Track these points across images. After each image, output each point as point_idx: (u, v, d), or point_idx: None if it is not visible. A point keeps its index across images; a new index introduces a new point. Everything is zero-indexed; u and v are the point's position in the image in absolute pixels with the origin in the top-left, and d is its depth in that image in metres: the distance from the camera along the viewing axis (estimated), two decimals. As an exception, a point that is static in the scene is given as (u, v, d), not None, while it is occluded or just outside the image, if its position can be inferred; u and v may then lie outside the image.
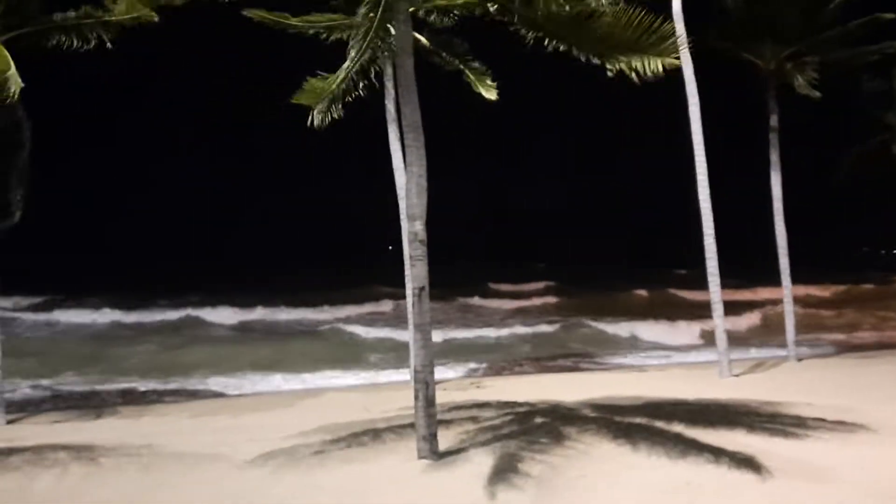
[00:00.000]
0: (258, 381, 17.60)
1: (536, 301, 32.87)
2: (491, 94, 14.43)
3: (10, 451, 9.77)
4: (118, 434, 11.20)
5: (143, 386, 16.96)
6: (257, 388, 16.91)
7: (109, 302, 26.72)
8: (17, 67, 11.53)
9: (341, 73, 14.41)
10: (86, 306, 26.68)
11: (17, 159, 13.69)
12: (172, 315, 25.98)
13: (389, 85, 15.65)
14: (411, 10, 10.63)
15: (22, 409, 13.98)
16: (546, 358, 21.48)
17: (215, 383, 17.37)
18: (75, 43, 13.17)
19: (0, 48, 11.96)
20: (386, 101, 15.72)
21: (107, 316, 25.01)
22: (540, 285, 37.02)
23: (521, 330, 25.86)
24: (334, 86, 14.25)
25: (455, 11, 14.38)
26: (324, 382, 17.40)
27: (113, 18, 13.04)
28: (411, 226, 9.54)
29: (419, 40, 13.71)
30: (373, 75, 15.03)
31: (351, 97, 14.88)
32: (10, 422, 12.65)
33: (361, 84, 14.82)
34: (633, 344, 23.26)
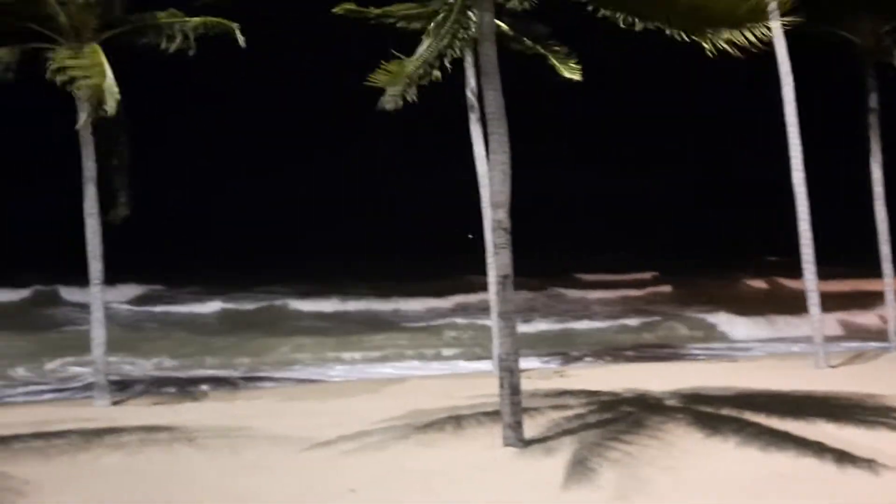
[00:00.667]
0: (345, 368, 18.03)
1: (624, 291, 32.12)
2: (575, 76, 14.27)
3: (117, 431, 10.30)
4: (214, 416, 11.67)
5: (235, 371, 17.61)
6: (343, 375, 17.33)
7: (209, 292, 27.80)
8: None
9: (418, 57, 14.52)
10: (185, 298, 27.77)
11: (121, 158, 14.39)
12: (264, 304, 26.80)
13: (469, 73, 15.65)
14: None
15: (125, 391, 14.71)
16: (632, 347, 21.14)
17: (304, 370, 17.87)
18: (163, 43, 13.66)
19: (98, 55, 12.55)
20: (466, 90, 15.72)
21: (207, 306, 25.87)
22: (629, 275, 36.08)
23: (607, 319, 25.49)
24: (410, 68, 14.35)
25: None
26: (408, 371, 17.67)
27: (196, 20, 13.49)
28: (495, 213, 9.54)
29: (500, 26, 13.64)
30: (448, 61, 15.12)
31: (426, 82, 14.98)
32: (114, 403, 13.36)
33: (436, 69, 14.91)
34: (724, 333, 22.57)
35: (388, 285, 29.95)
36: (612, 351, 20.67)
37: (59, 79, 12.33)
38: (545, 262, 34.06)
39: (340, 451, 9.17)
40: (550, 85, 14.94)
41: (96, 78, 12.04)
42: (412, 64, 14.21)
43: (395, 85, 14.21)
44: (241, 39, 13.46)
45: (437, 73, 14.74)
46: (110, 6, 13.46)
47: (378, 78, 13.82)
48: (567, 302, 29.56)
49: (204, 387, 15.59)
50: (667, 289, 32.25)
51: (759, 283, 34.94)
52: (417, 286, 30.03)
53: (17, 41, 13.17)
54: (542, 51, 14.22)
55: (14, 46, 13.17)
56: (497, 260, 9.48)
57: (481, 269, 15.78)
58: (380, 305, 26.92)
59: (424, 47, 14.52)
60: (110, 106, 11.96)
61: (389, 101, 14.19)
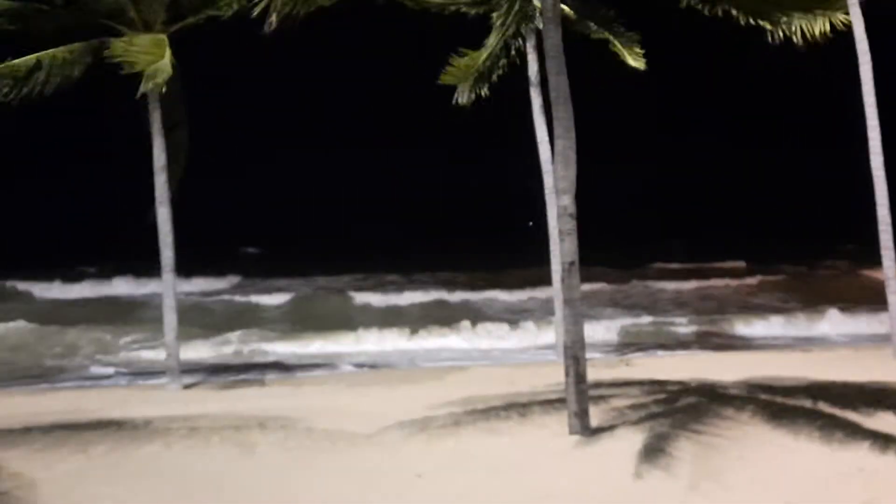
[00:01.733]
0: (409, 357, 18.18)
1: (704, 281, 31.03)
2: (639, 64, 13.96)
3: (190, 417, 10.55)
4: (281, 401, 11.89)
5: (301, 359, 17.92)
6: (408, 364, 17.47)
7: (275, 281, 28.37)
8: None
9: (487, 50, 14.45)
10: (252, 287, 28.33)
11: (179, 136, 14.75)
12: (330, 294, 27.16)
13: (532, 58, 15.44)
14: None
15: (195, 376, 15.12)
16: (697, 336, 20.66)
17: (368, 358, 18.06)
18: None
19: (163, 43, 12.90)
20: (529, 74, 15.50)
21: (273, 297, 26.29)
22: (712, 264, 34.80)
23: (673, 307, 24.96)
24: (480, 62, 14.28)
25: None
26: (472, 359, 17.70)
27: None
28: (560, 199, 9.43)
29: (564, 10, 13.44)
30: (513, 51, 14.99)
31: (497, 74, 14.91)
32: (185, 387, 13.75)
33: (505, 59, 14.82)
34: (792, 321, 21.82)
35: (449, 274, 30.00)
36: (680, 341, 20.27)
37: (119, 60, 12.66)
38: (623, 250, 33.27)
39: (406, 436, 9.25)
40: (612, 70, 14.70)
41: (154, 58, 12.38)
42: (481, 58, 14.16)
43: (465, 81, 14.22)
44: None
45: (504, 66, 14.72)
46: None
47: (448, 76, 13.87)
48: (645, 293, 28.76)
49: (271, 374, 15.91)
50: (752, 280, 31.01)
51: (839, 272, 33.49)
52: (479, 275, 30.01)
53: (88, 36, 13.58)
54: (608, 35, 13.91)
55: (85, 42, 13.57)
56: (562, 246, 9.38)
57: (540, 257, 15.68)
58: (443, 295, 26.90)
59: (491, 40, 14.45)
60: (157, 82, 12.28)
61: (462, 96, 14.22)
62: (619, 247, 34.27)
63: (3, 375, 15.73)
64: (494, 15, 14.47)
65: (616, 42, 13.73)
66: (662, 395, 11.01)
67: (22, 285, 25.60)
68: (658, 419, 9.51)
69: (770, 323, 21.71)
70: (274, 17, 11.04)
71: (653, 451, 8.16)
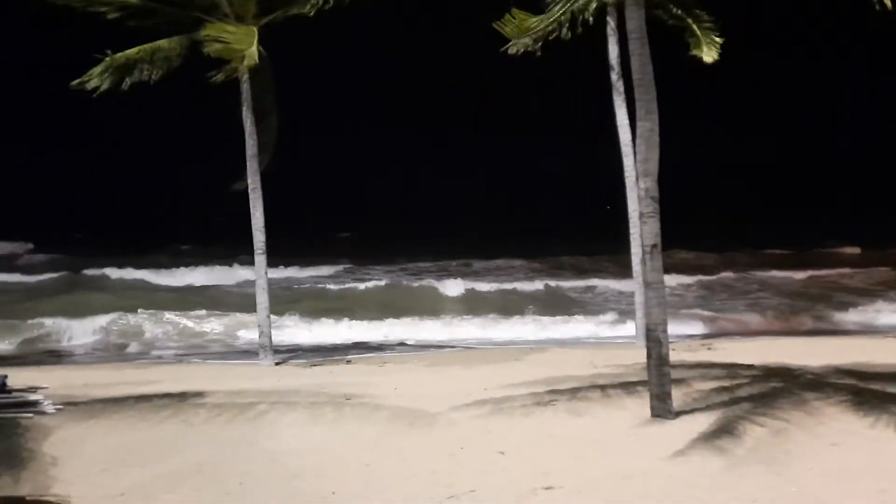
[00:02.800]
0: (488, 338, 18.43)
1: (790, 266, 29.71)
2: (710, 56, 13.39)
3: (282, 391, 11.08)
4: (364, 379, 12.30)
5: (386, 339, 18.43)
6: (487, 345, 17.73)
7: (360, 269, 28.98)
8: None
9: (551, 15, 14.28)
10: (349, 274, 28.96)
11: (270, 124, 15.34)
12: (414, 280, 27.63)
13: (612, 40, 15.29)
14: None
15: (286, 354, 15.77)
16: (783, 320, 20.14)
17: (449, 340, 18.40)
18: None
19: (253, 33, 13.53)
20: (609, 55, 15.34)
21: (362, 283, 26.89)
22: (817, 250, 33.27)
23: (756, 292, 24.33)
24: (542, 26, 14.14)
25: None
26: (550, 339, 17.81)
27: None
28: (642, 182, 9.42)
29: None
30: (580, 22, 14.82)
31: (560, 36, 14.70)
32: (277, 364, 14.40)
33: (566, 29, 14.62)
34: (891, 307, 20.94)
35: (529, 260, 29.99)
36: (762, 323, 19.83)
37: (212, 48, 13.32)
38: (717, 233, 32.28)
39: (487, 414, 9.46)
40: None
41: (243, 45, 12.98)
42: (543, 20, 14.03)
43: (520, 36, 14.10)
44: None
45: (566, 31, 14.52)
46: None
47: (506, 26, 13.78)
48: (734, 275, 27.87)
49: (356, 353, 16.44)
50: (848, 267, 29.50)
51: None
52: (560, 260, 29.90)
53: (184, 30, 14.28)
54: (688, 20, 13.57)
55: (182, 36, 14.26)
56: (645, 229, 9.39)
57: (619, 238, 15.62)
58: (524, 280, 26.92)
59: (559, 5, 14.29)
60: (245, 66, 13.20)
61: (512, 49, 14.13)
62: (711, 228, 33.21)
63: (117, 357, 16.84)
64: None
65: (695, 29, 13.35)
66: (746, 380, 10.89)
67: (138, 273, 25.93)
68: (742, 403, 9.44)
69: (866, 309, 20.91)
70: None
71: (737, 435, 8.15)
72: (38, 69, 37.54)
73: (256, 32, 13.62)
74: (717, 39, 13.26)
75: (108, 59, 13.60)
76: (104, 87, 13.63)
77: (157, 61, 13.79)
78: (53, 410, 6.20)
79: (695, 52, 13.28)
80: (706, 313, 20.76)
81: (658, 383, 9.05)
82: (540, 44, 14.24)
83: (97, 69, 13.65)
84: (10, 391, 6.05)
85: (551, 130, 43.27)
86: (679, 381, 10.21)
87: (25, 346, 17.53)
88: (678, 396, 9.51)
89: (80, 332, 18.39)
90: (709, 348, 14.84)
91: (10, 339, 17.85)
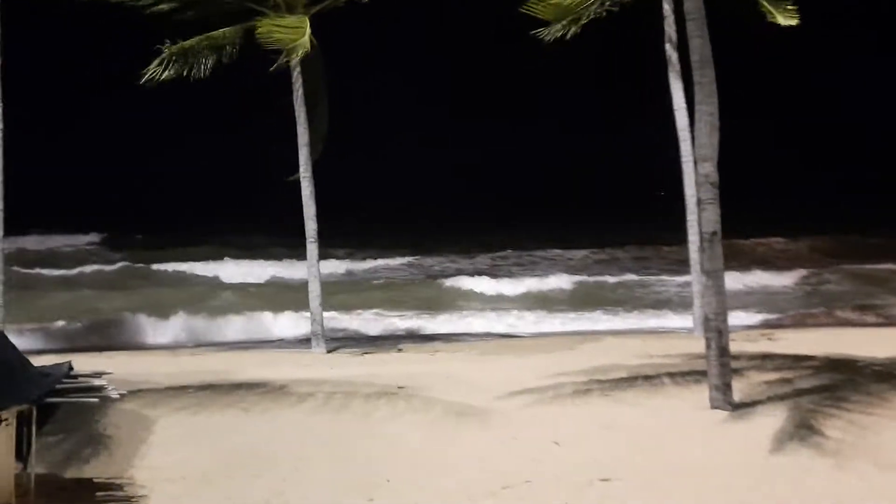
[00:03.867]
0: (539, 324, 18.32)
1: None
2: (790, 20, 13.11)
3: (326, 382, 11.11)
4: (416, 368, 12.31)
5: (437, 328, 18.46)
6: (537, 331, 17.62)
7: (405, 253, 29.12)
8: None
9: None
10: (386, 256, 29.20)
11: (320, 112, 15.46)
12: (461, 264, 27.67)
13: (669, 20, 14.91)
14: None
15: (338, 342, 15.92)
16: (850, 309, 19.46)
17: (498, 325, 18.34)
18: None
19: (304, 22, 13.62)
20: (665, 33, 14.92)
21: (398, 260, 26.96)
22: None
23: (819, 279, 23.60)
24: (581, 6, 13.79)
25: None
26: (605, 327, 17.61)
27: None
28: (701, 167, 9.19)
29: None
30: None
31: (601, 15, 14.32)
32: (329, 351, 14.54)
33: (605, 7, 14.24)
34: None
35: (584, 244, 29.66)
36: (825, 312, 19.23)
37: (263, 39, 13.46)
38: (777, 219, 31.36)
39: (540, 404, 9.38)
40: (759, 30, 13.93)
41: (295, 35, 13.06)
42: (586, 2, 13.67)
43: (556, 18, 13.76)
44: None
45: (603, 11, 14.15)
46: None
47: (538, 8, 13.42)
48: (772, 258, 27.22)
49: (408, 342, 16.49)
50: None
51: None
52: (613, 249, 29.47)
53: (238, 20, 14.44)
54: None
55: (236, 26, 14.43)
56: (703, 216, 9.15)
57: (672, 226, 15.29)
58: (578, 268, 26.72)
59: None
60: (297, 55, 13.35)
61: (551, 33, 13.84)
62: (767, 213, 32.21)
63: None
64: None
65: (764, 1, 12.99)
66: (808, 371, 10.57)
67: (194, 266, 26.17)
68: (804, 395, 9.17)
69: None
70: None
71: (800, 428, 7.90)
72: (77, 63, 38.38)
73: (308, 23, 13.69)
74: (790, 8, 12.89)
75: (167, 49, 13.84)
76: (164, 76, 13.89)
77: (211, 51, 14.00)
78: (117, 396, 6.32)
79: (771, 19, 12.92)
80: (767, 302, 20.25)
81: (718, 374, 8.83)
82: (578, 25, 13.89)
83: (156, 61, 13.89)
84: (75, 376, 6.20)
85: (602, 115, 42.51)
86: (739, 372, 9.96)
87: (91, 336, 18.04)
88: (738, 388, 9.27)
89: (144, 323, 18.86)
90: (769, 339, 14.44)
91: (75, 327, 18.37)
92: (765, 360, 11.36)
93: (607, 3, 13.54)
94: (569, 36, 14.06)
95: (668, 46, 14.80)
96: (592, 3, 13.22)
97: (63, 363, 6.38)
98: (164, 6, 14.05)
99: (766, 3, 12.96)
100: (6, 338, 6.06)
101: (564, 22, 13.54)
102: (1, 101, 11.46)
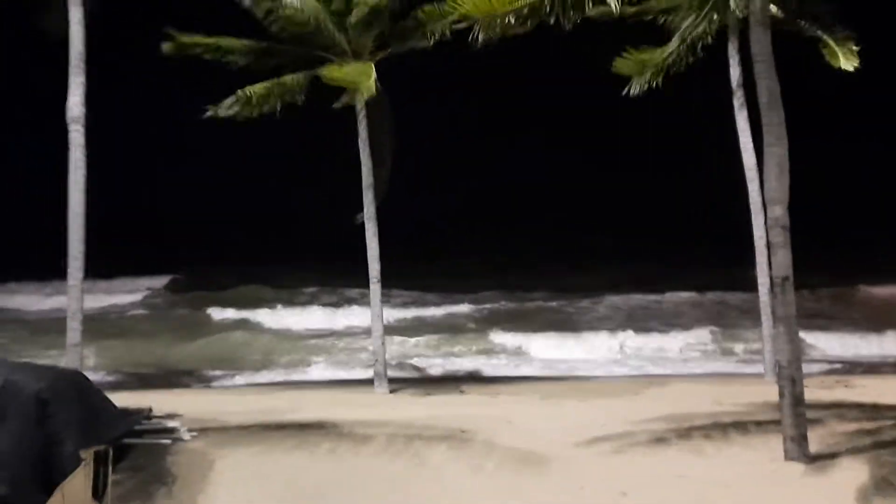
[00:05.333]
0: (604, 365, 18.05)
1: None
2: (850, 64, 12.87)
3: (391, 423, 11.14)
4: (479, 410, 12.22)
5: (494, 368, 18.36)
6: (602, 372, 17.34)
7: (458, 294, 29.13)
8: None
9: (671, 47, 13.96)
10: (437, 300, 29.21)
11: (388, 143, 15.76)
12: (522, 302, 27.48)
13: (734, 62, 14.79)
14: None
15: (400, 381, 15.96)
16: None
17: (560, 366, 18.12)
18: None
19: (369, 65, 14.02)
20: (731, 77, 14.82)
21: (459, 307, 26.95)
22: None
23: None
24: (662, 59, 13.84)
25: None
26: (670, 370, 17.20)
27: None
28: (771, 210, 9.00)
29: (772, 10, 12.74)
30: (699, 48, 14.39)
31: (680, 69, 14.35)
32: (392, 391, 14.58)
33: (690, 57, 14.25)
34: None
35: (647, 283, 29.20)
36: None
37: (330, 81, 13.97)
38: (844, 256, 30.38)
39: (607, 452, 9.18)
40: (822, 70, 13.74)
41: (361, 80, 13.42)
42: (664, 54, 13.75)
43: (640, 74, 13.84)
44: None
45: (688, 60, 14.15)
46: (385, 28, 14.68)
47: (623, 65, 13.55)
48: (849, 305, 26.21)
49: (467, 382, 16.41)
50: None
51: None
52: (677, 283, 28.91)
53: (306, 67, 14.91)
54: (820, 34, 13.00)
55: (304, 72, 14.89)
56: (775, 260, 8.93)
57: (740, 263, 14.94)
58: (640, 302, 26.30)
59: (677, 37, 14.00)
60: (361, 98, 13.81)
61: (635, 87, 13.87)
62: (840, 253, 31.15)
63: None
64: (680, 20, 14.03)
65: (829, 41, 12.80)
66: (889, 421, 10.08)
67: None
68: (885, 448, 8.74)
69: None
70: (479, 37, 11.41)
71: (884, 484, 7.52)
72: (146, 106, 39.66)
73: (373, 67, 14.05)
74: (853, 51, 12.66)
75: (238, 93, 14.36)
76: (233, 117, 14.43)
77: (281, 95, 14.48)
78: (189, 437, 6.49)
79: (833, 62, 12.73)
80: (840, 346, 19.49)
81: (792, 424, 8.51)
82: (661, 76, 13.98)
83: (227, 101, 14.43)
84: (152, 419, 6.39)
85: (670, 154, 42.00)
86: (814, 422, 9.57)
87: (161, 373, 18.57)
88: (814, 438, 8.91)
89: (211, 363, 19.31)
90: (845, 385, 13.88)
91: (154, 365, 18.85)
92: (842, 409, 10.90)
93: (688, 55, 13.57)
94: (652, 86, 14.18)
95: (734, 86, 14.65)
96: (673, 55, 13.27)
97: (144, 408, 6.59)
98: (242, 58, 14.61)
99: (830, 45, 12.75)
100: (88, 381, 6.29)
101: (647, 76, 13.65)
102: (85, 149, 12.01)
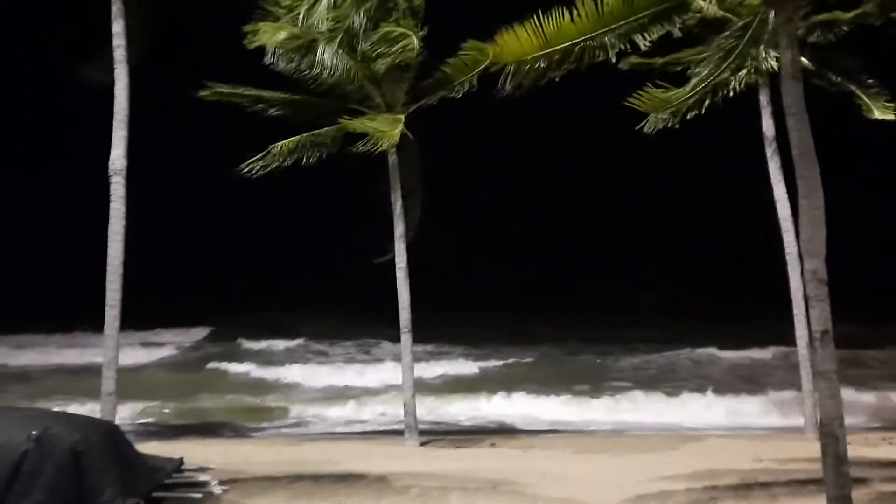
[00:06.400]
0: (637, 419, 17.71)
1: None
2: (888, 115, 12.80)
3: (423, 475, 11.00)
4: (511, 464, 12.03)
5: (525, 423, 18.10)
6: (636, 426, 16.99)
7: (476, 347, 28.90)
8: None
9: (689, 88, 13.95)
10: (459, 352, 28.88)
11: (416, 183, 15.90)
12: (546, 353, 27.15)
13: (766, 112, 14.76)
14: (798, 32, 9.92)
15: (430, 434, 15.78)
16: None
17: (594, 421, 17.81)
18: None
19: (399, 117, 14.28)
20: (763, 128, 14.78)
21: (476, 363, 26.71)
22: None
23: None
24: (681, 100, 13.84)
25: (843, 26, 13.21)
26: (708, 424, 16.84)
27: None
28: (808, 263, 8.83)
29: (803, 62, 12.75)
30: (720, 95, 14.40)
31: (699, 112, 14.33)
32: (422, 444, 14.43)
33: (709, 100, 14.24)
34: None
35: (681, 333, 28.68)
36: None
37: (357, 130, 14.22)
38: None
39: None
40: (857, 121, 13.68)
41: (388, 131, 13.74)
42: (683, 95, 13.75)
43: (658, 111, 13.85)
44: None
45: (705, 108, 14.14)
46: (416, 80, 14.97)
47: (641, 102, 13.56)
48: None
49: (501, 434, 16.18)
50: None
51: None
52: (714, 336, 28.36)
53: (335, 121, 15.20)
54: (851, 87, 12.97)
55: (339, 124, 15.17)
56: (813, 314, 8.73)
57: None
58: (676, 356, 25.84)
59: (696, 80, 14.01)
60: (384, 147, 14.00)
61: (650, 125, 13.89)
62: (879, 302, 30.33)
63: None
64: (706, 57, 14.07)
65: (861, 94, 12.74)
66: (940, 481, 9.72)
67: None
68: (937, 510, 8.41)
69: None
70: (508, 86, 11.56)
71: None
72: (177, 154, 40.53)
73: (402, 120, 14.30)
74: (888, 103, 12.57)
75: (272, 148, 14.67)
76: (268, 169, 14.71)
77: (315, 147, 14.81)
78: (220, 491, 6.49)
79: (868, 114, 12.66)
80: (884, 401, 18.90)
81: (835, 484, 8.21)
82: (678, 118, 14.00)
83: (259, 156, 14.71)
84: (183, 471, 6.41)
85: (704, 203, 41.68)
86: (859, 481, 9.25)
87: (192, 424, 18.63)
88: (859, 498, 8.61)
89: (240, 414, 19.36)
90: (890, 443, 13.41)
91: (187, 415, 19.06)
92: (887, 468, 10.53)
93: (708, 99, 13.59)
94: (670, 126, 14.17)
95: (765, 137, 14.60)
96: (693, 97, 13.29)
97: (176, 458, 6.61)
98: (279, 110, 15.00)
99: (863, 98, 12.68)
100: (122, 434, 6.35)
101: (665, 115, 13.66)
102: (125, 200, 12.32)
